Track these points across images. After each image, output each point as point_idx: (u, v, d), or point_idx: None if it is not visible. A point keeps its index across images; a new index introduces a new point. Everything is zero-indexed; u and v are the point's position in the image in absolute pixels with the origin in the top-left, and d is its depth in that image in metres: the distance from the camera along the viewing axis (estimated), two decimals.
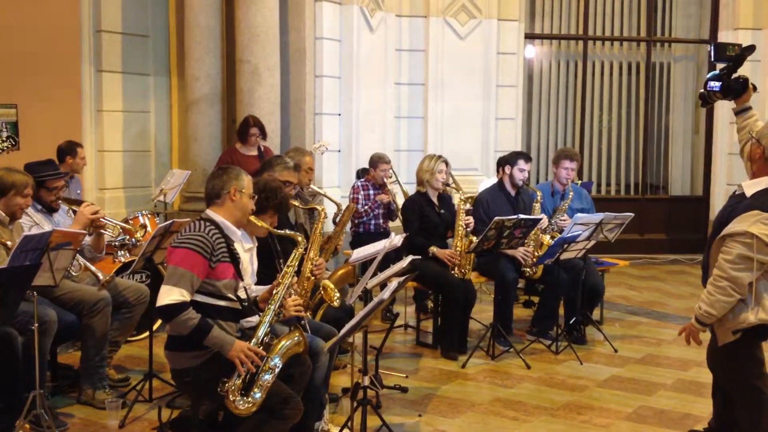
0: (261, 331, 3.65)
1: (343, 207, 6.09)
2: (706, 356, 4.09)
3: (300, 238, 3.92)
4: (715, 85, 3.94)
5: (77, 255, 4.63)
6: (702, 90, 4.06)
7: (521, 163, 6.27)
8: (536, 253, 6.15)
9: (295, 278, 4.01)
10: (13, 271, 3.70)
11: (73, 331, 4.72)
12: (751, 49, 4.00)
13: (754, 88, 4.07)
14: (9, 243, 4.12)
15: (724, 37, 10.32)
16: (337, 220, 5.80)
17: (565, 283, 6.14)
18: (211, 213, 3.78)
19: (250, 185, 3.86)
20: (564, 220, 6.28)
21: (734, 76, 3.97)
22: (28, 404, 4.13)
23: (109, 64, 8.04)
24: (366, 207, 7.10)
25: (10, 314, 3.78)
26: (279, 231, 4.05)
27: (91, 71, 7.95)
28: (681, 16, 11.01)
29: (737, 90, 3.96)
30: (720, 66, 4.03)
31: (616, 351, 6.09)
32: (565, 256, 5.79)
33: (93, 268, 4.80)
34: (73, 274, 4.85)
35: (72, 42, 7.84)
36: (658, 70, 11.00)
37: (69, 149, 6.62)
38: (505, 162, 6.48)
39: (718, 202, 10.37)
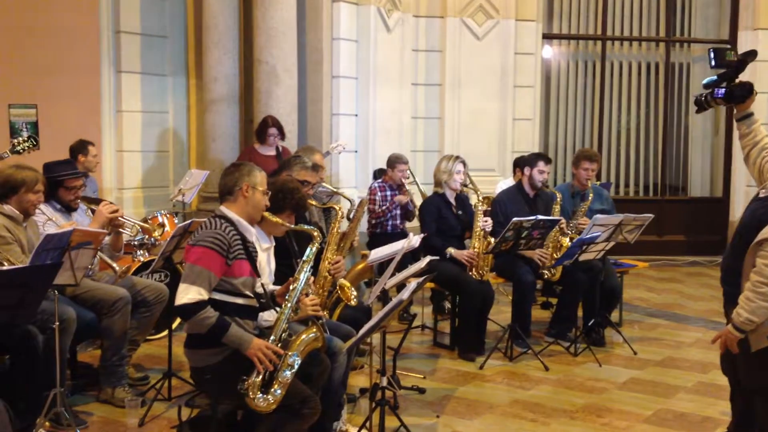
0: (279, 328, 3.65)
1: (357, 203, 6.08)
2: (720, 362, 4.04)
3: (315, 233, 3.91)
4: (720, 91, 3.85)
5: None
6: (699, 96, 3.96)
7: (541, 165, 6.24)
8: (554, 255, 6.11)
9: (311, 276, 4.00)
10: (35, 269, 3.72)
11: (93, 329, 4.74)
12: (753, 54, 3.91)
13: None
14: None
15: (743, 37, 10.26)
16: (351, 216, 5.80)
17: (583, 285, 6.10)
18: (224, 209, 3.78)
19: (263, 181, 3.85)
20: (583, 222, 6.23)
21: (736, 81, 3.87)
22: (49, 402, 4.16)
23: (127, 64, 8.07)
24: (384, 207, 7.09)
25: (32, 313, 3.80)
26: (294, 227, 4.05)
27: (110, 72, 7.98)
28: (700, 16, 10.94)
29: (742, 96, 3.87)
30: (718, 71, 3.91)
31: (635, 353, 6.05)
32: (584, 257, 5.75)
33: (108, 260, 4.81)
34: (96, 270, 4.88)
35: (91, 43, 7.87)
36: (677, 71, 10.93)
37: (80, 148, 6.66)
38: (524, 163, 6.46)
39: (737, 204, 10.28)
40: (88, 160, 6.67)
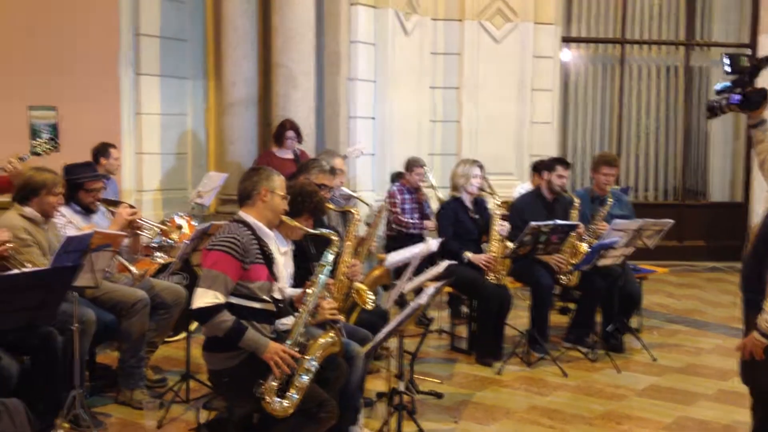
0: (296, 332, 3.65)
1: (375, 209, 6.09)
2: (739, 370, 3.98)
3: (334, 237, 3.91)
4: (735, 97, 3.81)
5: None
6: (712, 102, 3.91)
7: (560, 169, 6.20)
8: (571, 261, 6.07)
9: (330, 279, 4.01)
10: (57, 271, 3.75)
11: (111, 331, 4.76)
12: (767, 60, 3.87)
13: None
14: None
15: (764, 40, 10.18)
16: (370, 221, 5.80)
17: (602, 290, 6.06)
18: (243, 214, 3.79)
19: (282, 185, 3.85)
20: (602, 227, 6.18)
21: (751, 87, 3.82)
22: (68, 404, 4.19)
23: (147, 67, 8.11)
24: (412, 223, 7.08)
25: (52, 314, 3.82)
26: (313, 230, 4.05)
27: (129, 74, 8.02)
28: (720, 19, 10.86)
29: (757, 102, 3.82)
30: (730, 77, 3.87)
31: (654, 360, 5.99)
32: (602, 262, 5.71)
33: (126, 263, 4.84)
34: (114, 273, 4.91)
35: (111, 45, 7.92)
36: (697, 74, 10.85)
37: (102, 150, 6.68)
38: (543, 167, 6.43)
39: (758, 209, 10.17)
40: (110, 162, 6.70)
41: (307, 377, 3.53)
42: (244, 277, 3.62)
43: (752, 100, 3.76)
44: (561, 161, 6.36)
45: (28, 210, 4.44)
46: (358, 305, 4.56)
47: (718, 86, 3.84)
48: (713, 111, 3.89)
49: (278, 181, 3.84)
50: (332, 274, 4.36)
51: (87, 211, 4.94)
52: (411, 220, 7.12)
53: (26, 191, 4.45)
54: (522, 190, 7.58)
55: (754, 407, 4.02)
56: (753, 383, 3.89)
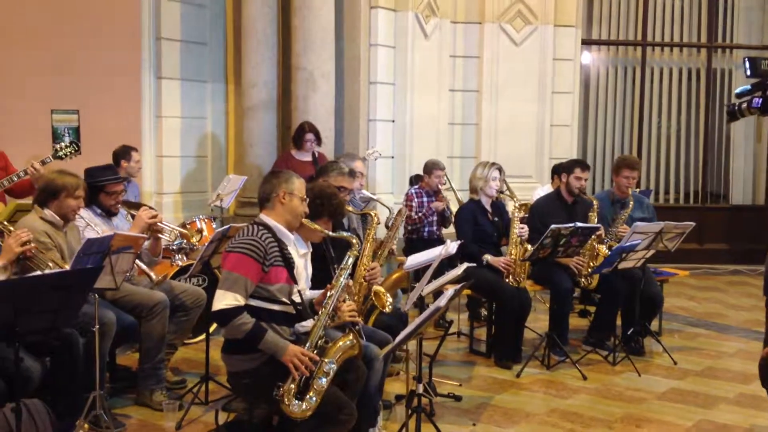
0: (315, 335, 3.66)
1: (395, 212, 6.09)
2: (759, 373, 3.94)
3: (354, 240, 3.92)
4: (757, 101, 3.79)
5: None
6: (732, 105, 3.89)
7: (578, 171, 6.17)
8: (591, 264, 6.03)
9: (350, 281, 4.01)
10: (78, 273, 3.78)
11: (131, 333, 4.79)
12: None
13: None
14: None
15: None
16: (390, 224, 5.80)
17: (622, 293, 6.02)
18: (263, 217, 3.81)
19: (301, 188, 3.87)
20: (623, 230, 6.15)
21: None
22: (88, 405, 4.22)
23: (167, 71, 8.18)
24: (420, 214, 7.08)
25: (73, 316, 3.85)
26: (334, 233, 4.05)
27: (150, 78, 8.09)
28: (743, 21, 10.76)
29: None
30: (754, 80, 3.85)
31: (675, 363, 5.95)
32: (623, 265, 5.67)
33: (145, 268, 4.86)
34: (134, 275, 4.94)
35: (133, 49, 7.99)
36: (719, 77, 10.76)
37: (123, 153, 6.73)
38: (562, 170, 6.40)
39: None
40: (131, 165, 6.75)
41: (326, 380, 3.54)
42: (264, 280, 3.64)
43: None
44: (580, 163, 6.34)
45: (48, 213, 4.46)
46: (377, 308, 4.56)
47: (739, 90, 3.83)
48: (733, 115, 3.87)
49: (297, 184, 3.86)
50: (351, 276, 4.37)
51: (108, 213, 4.97)
52: (418, 215, 7.09)
53: (46, 194, 4.48)
54: (541, 192, 7.56)
55: None
56: None
